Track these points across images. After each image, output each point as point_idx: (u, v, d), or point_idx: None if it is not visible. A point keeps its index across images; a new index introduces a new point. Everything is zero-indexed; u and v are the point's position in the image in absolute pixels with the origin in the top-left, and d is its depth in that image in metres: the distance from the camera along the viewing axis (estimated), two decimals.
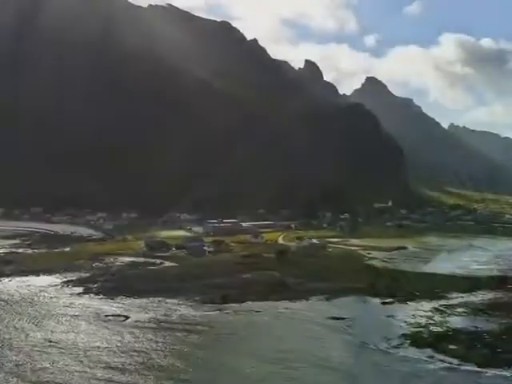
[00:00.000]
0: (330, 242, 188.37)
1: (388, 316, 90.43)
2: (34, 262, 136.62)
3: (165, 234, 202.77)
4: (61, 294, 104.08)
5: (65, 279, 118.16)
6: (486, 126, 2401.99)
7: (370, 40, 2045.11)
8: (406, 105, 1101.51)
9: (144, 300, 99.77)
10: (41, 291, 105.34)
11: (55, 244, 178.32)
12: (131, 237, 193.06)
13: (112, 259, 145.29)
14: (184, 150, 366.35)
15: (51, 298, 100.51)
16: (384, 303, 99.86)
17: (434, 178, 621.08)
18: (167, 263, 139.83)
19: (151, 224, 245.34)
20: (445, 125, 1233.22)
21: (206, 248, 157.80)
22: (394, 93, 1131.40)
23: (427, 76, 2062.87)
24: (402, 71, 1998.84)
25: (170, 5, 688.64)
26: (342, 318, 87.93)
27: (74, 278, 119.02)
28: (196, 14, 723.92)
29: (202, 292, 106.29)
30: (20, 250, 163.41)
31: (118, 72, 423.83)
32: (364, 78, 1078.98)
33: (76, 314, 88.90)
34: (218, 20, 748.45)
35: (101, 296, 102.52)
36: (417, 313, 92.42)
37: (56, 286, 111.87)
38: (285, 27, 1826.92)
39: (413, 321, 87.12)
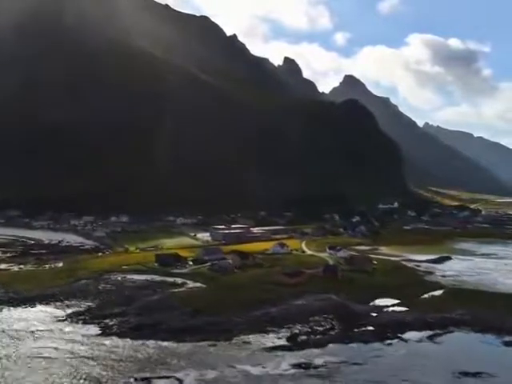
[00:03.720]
0: (358, 251, 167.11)
1: None
2: (25, 283, 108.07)
3: (169, 242, 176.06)
4: (72, 336, 76.55)
5: (70, 310, 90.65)
6: (457, 126, 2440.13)
7: (341, 39, 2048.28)
8: (385, 103, 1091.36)
9: (187, 345, 73.71)
10: (43, 336, 76.82)
11: (44, 257, 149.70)
12: (133, 247, 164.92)
13: (120, 278, 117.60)
14: (172, 147, 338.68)
15: (61, 345, 72.93)
16: (507, 344, 75.77)
17: (420, 178, 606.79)
18: (190, 283, 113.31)
19: (146, 229, 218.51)
20: (419, 124, 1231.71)
21: (230, 261, 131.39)
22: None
23: (397, 75, 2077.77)
24: (372, 70, 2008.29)
25: None
26: (479, 374, 63.38)
27: (81, 309, 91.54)
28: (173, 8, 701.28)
29: (258, 329, 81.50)
30: (3, 266, 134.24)
31: (96, 65, 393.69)
32: (336, 76, 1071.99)
33: (106, 375, 62.39)
34: (197, 15, 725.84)
35: (127, 339, 75.65)
36: None
37: (61, 321, 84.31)
38: (257, 24, 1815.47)
39: None
